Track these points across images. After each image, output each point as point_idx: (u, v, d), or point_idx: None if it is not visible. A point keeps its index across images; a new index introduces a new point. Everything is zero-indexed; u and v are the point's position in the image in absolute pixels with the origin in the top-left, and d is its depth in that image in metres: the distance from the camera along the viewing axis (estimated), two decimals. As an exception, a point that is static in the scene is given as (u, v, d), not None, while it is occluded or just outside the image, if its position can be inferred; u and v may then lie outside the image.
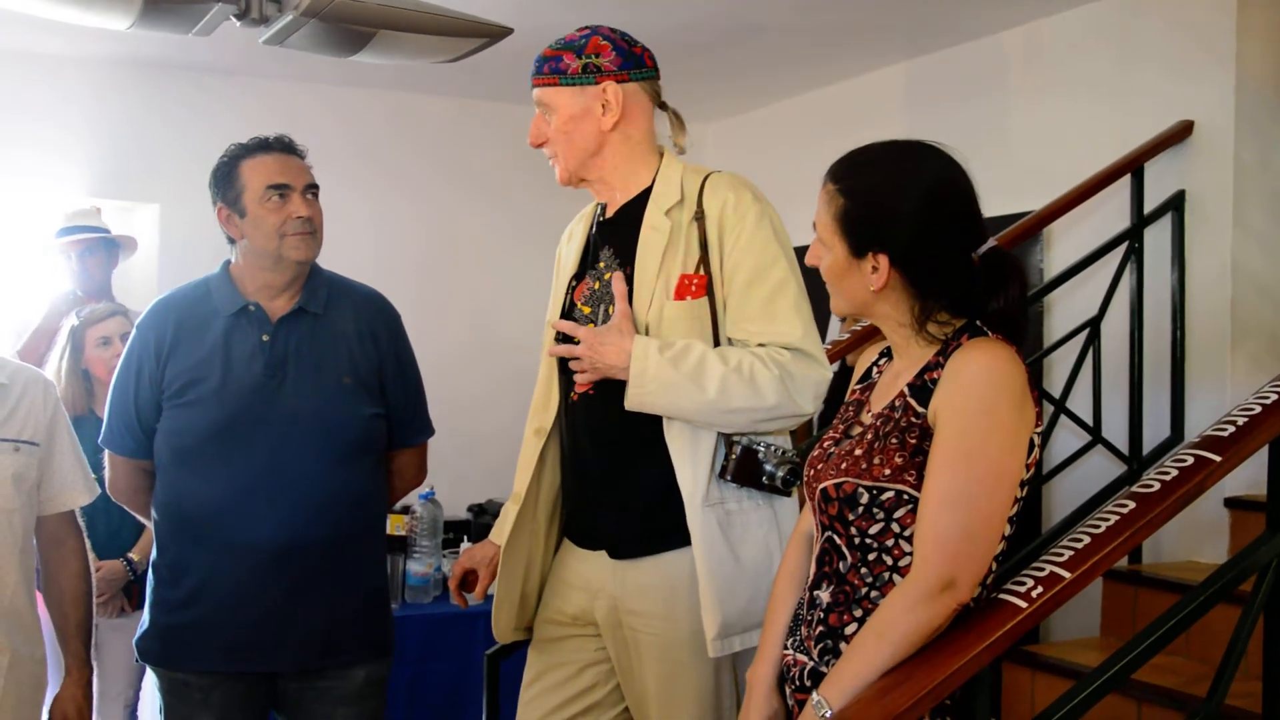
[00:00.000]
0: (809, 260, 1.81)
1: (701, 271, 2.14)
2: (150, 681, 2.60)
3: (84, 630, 2.53)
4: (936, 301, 1.71)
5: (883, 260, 1.69)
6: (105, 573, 3.37)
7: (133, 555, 3.42)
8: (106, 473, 2.56)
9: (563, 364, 2.29)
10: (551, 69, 2.19)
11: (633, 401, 2.09)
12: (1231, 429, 1.96)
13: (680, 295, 2.13)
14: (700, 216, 2.16)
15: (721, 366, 2.06)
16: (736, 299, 2.13)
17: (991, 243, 1.70)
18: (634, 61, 2.21)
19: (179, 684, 2.43)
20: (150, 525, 2.54)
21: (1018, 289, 1.69)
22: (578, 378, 2.18)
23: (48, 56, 4.63)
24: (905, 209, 1.68)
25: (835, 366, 3.82)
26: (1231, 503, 3.36)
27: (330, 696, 2.45)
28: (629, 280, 2.19)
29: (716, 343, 2.14)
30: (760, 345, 2.11)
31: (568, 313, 2.29)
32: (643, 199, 2.22)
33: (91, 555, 3.30)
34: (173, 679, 2.44)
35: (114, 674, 3.49)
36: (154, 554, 2.49)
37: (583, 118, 2.19)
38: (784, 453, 2.13)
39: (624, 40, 2.22)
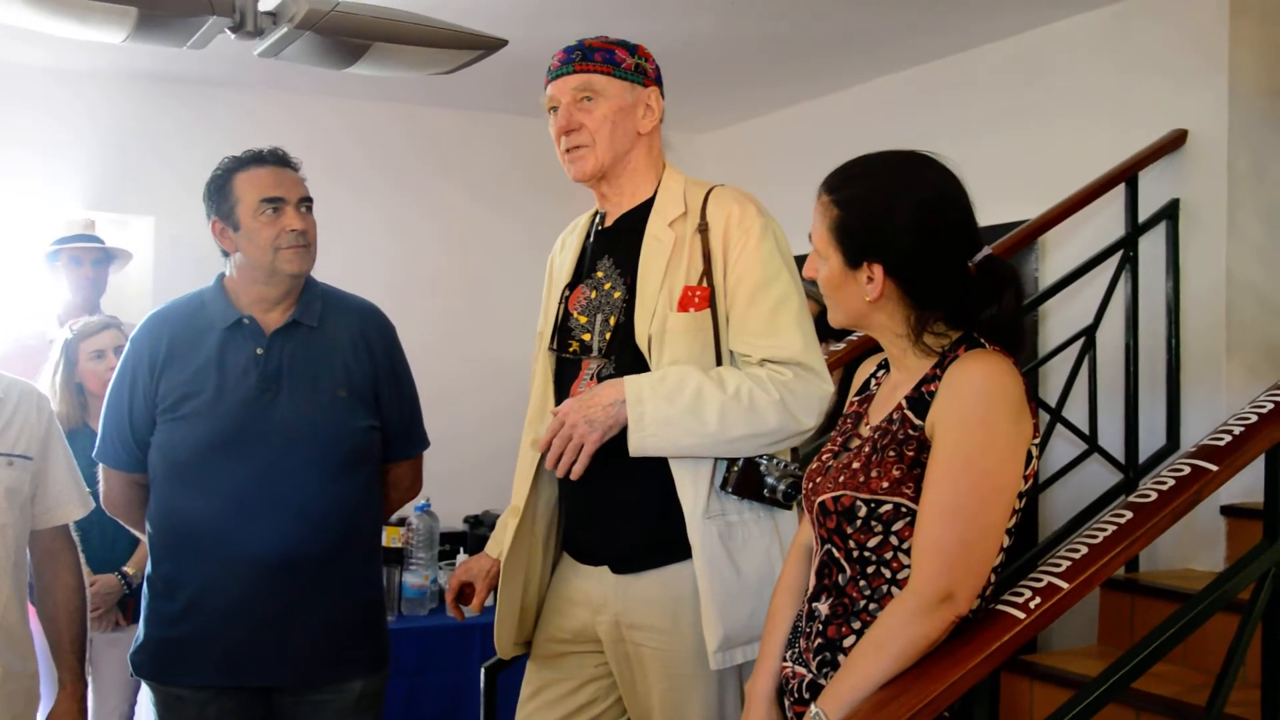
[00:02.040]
0: (806, 272, 1.80)
1: (705, 284, 2.13)
2: (145, 696, 2.59)
3: (78, 644, 2.51)
4: (932, 312, 1.70)
5: (877, 270, 1.69)
6: (100, 587, 3.35)
7: (127, 569, 3.41)
8: (101, 486, 2.55)
9: (558, 376, 2.28)
10: (604, 58, 2.18)
11: (635, 447, 2.06)
12: (1228, 438, 1.96)
13: (683, 307, 2.12)
14: (704, 229, 2.15)
15: (720, 395, 2.04)
16: (739, 312, 2.12)
17: (987, 250, 1.70)
18: (660, 79, 2.26)
19: (174, 698, 2.42)
20: (145, 539, 2.53)
21: (1013, 297, 1.69)
22: (584, 452, 2.09)
23: (44, 70, 4.63)
24: (899, 218, 1.68)
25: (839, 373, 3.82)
26: (1228, 511, 3.36)
27: (326, 710, 2.44)
28: (630, 291, 2.18)
29: (718, 355, 2.13)
30: (763, 360, 2.10)
31: (562, 322, 2.28)
32: (643, 210, 2.22)
33: (86, 569, 3.29)
34: (167, 693, 2.43)
35: (109, 688, 3.47)
36: (149, 568, 2.48)
37: (629, 113, 2.19)
38: (785, 465, 2.12)
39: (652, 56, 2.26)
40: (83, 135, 4.74)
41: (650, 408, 2.05)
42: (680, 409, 2.04)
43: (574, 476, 2.11)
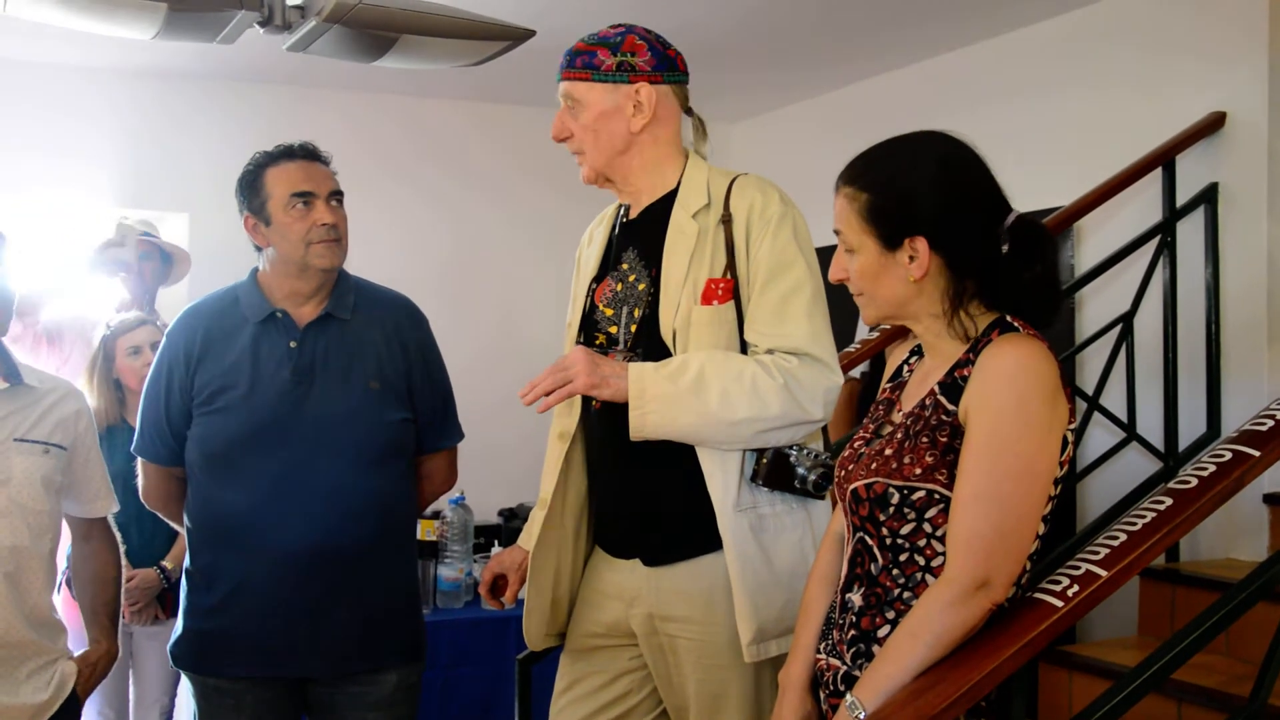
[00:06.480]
0: (832, 276, 1.78)
1: (728, 276, 2.11)
2: (186, 688, 2.62)
3: (111, 608, 2.57)
4: (972, 281, 1.68)
5: (921, 245, 1.67)
6: (139, 581, 3.39)
7: (166, 563, 3.45)
8: (139, 480, 2.58)
9: None
10: (584, 63, 2.16)
11: (636, 426, 2.04)
12: (1270, 423, 1.93)
13: (707, 300, 2.11)
14: (727, 219, 2.13)
15: (722, 376, 2.03)
16: (753, 301, 2.11)
17: (1017, 212, 1.69)
18: (667, 64, 2.20)
19: (212, 689, 2.44)
20: (183, 532, 2.56)
21: (1052, 252, 1.67)
22: (564, 390, 2.06)
23: (76, 69, 4.68)
24: (930, 186, 1.67)
25: (866, 365, 3.79)
26: (1271, 499, 3.31)
27: (362, 701, 2.45)
28: (655, 283, 2.17)
29: (743, 348, 2.11)
30: (768, 351, 2.08)
31: (588, 314, 2.26)
32: (667, 201, 2.20)
33: (126, 563, 3.34)
34: (206, 684, 2.45)
35: (150, 681, 3.51)
36: (187, 560, 2.50)
37: (612, 116, 2.16)
38: (816, 455, 2.10)
39: (659, 42, 2.20)
40: (117, 133, 4.78)
41: (651, 384, 2.03)
42: (682, 388, 2.02)
43: (539, 410, 2.07)
